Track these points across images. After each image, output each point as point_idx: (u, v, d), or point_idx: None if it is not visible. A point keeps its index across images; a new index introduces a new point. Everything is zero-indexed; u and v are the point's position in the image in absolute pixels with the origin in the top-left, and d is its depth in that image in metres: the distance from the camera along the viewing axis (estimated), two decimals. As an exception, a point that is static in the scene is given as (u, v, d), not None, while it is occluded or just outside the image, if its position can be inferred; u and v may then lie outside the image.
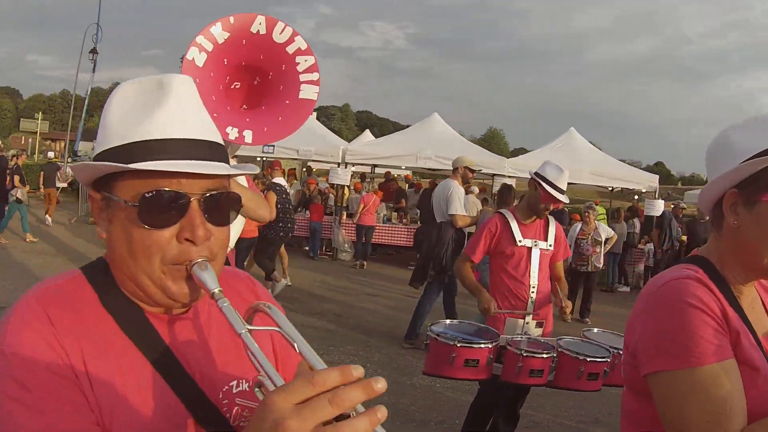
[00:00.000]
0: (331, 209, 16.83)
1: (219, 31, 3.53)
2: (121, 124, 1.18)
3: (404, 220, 16.80)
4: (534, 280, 4.45)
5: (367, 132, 22.16)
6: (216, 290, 1.12)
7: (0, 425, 1.05)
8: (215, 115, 3.55)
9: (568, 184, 4.64)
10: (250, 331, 1.04)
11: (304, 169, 19.58)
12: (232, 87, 3.84)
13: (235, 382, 1.29)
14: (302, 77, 3.78)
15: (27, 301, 1.15)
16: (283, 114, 3.78)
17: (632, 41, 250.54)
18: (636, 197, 21.06)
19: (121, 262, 1.20)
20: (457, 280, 5.43)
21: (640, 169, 21.80)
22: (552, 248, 4.61)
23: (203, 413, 1.21)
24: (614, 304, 12.99)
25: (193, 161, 1.16)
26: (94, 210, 1.24)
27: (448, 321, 4.51)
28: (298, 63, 3.75)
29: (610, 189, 19.49)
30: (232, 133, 3.60)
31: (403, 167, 20.31)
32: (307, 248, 16.26)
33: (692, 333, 1.48)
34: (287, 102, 3.79)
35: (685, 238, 13.75)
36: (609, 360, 3.70)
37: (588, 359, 3.62)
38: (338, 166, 16.25)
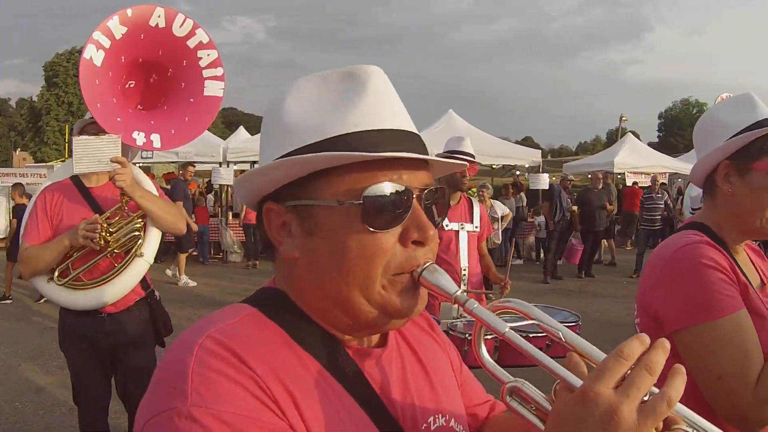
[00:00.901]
0: (215, 211, 16.36)
1: (116, 26, 3.26)
2: (314, 119, 1.05)
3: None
4: (464, 262, 4.51)
5: (242, 129, 21.61)
6: (458, 292, 1.03)
7: None
8: (118, 119, 3.30)
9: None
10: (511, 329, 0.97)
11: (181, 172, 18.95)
12: (127, 86, 3.57)
13: (432, 418, 1.19)
14: (206, 73, 3.58)
15: (203, 345, 0.94)
16: (188, 114, 3.57)
17: (494, 22, 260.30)
18: (517, 173, 21.93)
19: (323, 284, 1.05)
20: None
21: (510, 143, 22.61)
22: (478, 229, 4.70)
23: None
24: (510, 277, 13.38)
25: (412, 153, 1.05)
26: (273, 228, 1.08)
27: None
28: (201, 58, 3.55)
29: (493, 167, 20.13)
30: (140, 138, 3.37)
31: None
32: (196, 253, 15.72)
33: (711, 290, 1.69)
34: (191, 100, 3.58)
35: (575, 208, 14.36)
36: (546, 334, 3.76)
37: (530, 335, 3.67)
38: (220, 166, 15.79)
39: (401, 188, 1.02)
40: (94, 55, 3.23)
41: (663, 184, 17.38)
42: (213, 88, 3.60)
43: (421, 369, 1.24)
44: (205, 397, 0.87)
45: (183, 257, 12.66)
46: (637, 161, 20.71)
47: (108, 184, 3.41)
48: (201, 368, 0.90)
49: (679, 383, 0.83)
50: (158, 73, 3.62)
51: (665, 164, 22.14)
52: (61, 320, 3.51)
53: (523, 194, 16.45)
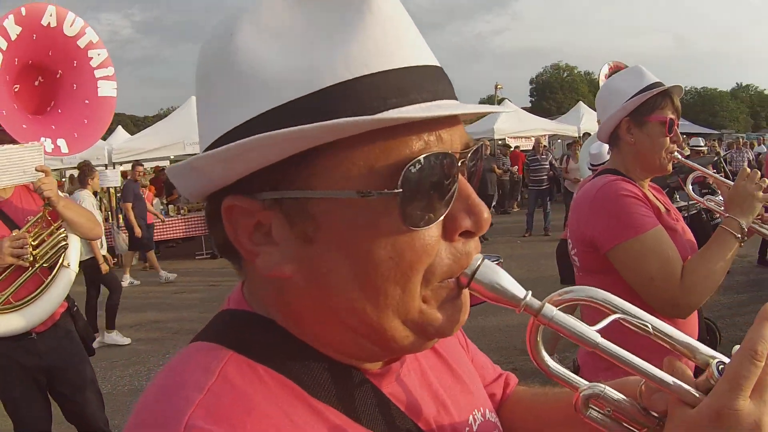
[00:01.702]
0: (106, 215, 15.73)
1: (11, 25, 3.18)
2: (297, 58, 0.72)
3: (182, 211, 16.21)
4: None
5: (120, 129, 20.82)
6: (529, 297, 0.82)
7: None
8: (24, 126, 3.23)
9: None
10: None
11: (64, 179, 17.99)
12: (15, 90, 3.47)
13: (471, 418, 1.01)
14: (98, 73, 3.58)
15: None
16: (86, 116, 3.56)
17: None
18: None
19: (336, 309, 0.77)
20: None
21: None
22: None
23: None
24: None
25: (448, 101, 0.77)
26: (241, 233, 0.76)
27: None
28: (92, 58, 3.55)
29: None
30: (47, 144, 3.31)
31: (172, 157, 19.51)
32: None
33: (633, 213, 2.21)
34: (87, 102, 3.57)
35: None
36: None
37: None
38: (106, 168, 15.13)
39: (445, 157, 0.74)
40: None
41: (545, 146, 18.30)
42: (106, 89, 3.60)
43: (443, 364, 1.05)
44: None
45: (152, 254, 13.05)
46: (517, 126, 21.71)
47: (14, 195, 3.28)
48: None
49: None
50: (45, 76, 3.55)
51: (544, 127, 23.30)
52: None
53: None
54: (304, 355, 0.80)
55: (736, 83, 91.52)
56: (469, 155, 0.78)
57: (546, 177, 15.78)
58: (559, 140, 24.49)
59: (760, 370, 0.71)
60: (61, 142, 3.39)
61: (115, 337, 8.46)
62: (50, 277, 3.25)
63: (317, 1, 0.75)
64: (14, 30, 3.20)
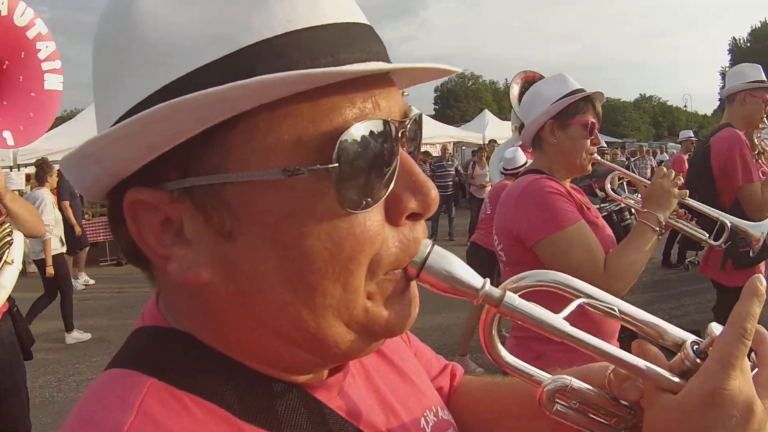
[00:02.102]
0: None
1: None
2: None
3: (86, 216, 15.56)
4: None
5: None
6: (487, 285, 0.76)
7: None
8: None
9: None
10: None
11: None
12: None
13: (423, 420, 0.94)
14: (45, 65, 3.58)
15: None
16: (32, 109, 3.55)
17: None
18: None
19: (266, 316, 0.68)
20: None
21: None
22: None
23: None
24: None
25: (383, 62, 0.69)
26: (147, 233, 0.66)
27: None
28: (40, 50, 3.55)
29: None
30: (-6, 137, 3.25)
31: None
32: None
33: (557, 208, 2.40)
34: (33, 94, 3.57)
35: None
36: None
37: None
38: (11, 170, 14.31)
39: (385, 125, 0.65)
40: None
41: (450, 152, 18.88)
42: (53, 82, 3.59)
43: (388, 364, 0.99)
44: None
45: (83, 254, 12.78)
46: (424, 133, 22.17)
47: None
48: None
49: None
50: None
51: (450, 134, 23.95)
52: None
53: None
54: (231, 375, 0.70)
55: (640, 94, 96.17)
56: (408, 126, 0.70)
57: (451, 183, 16.48)
58: (463, 147, 25.23)
59: (746, 347, 0.71)
60: (7, 134, 3.35)
61: (77, 335, 8.49)
62: None
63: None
64: None
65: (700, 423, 0.70)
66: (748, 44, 71.55)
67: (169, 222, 0.66)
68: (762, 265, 3.95)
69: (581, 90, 2.59)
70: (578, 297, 0.79)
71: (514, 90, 6.92)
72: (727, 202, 3.94)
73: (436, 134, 23.12)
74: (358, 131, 0.62)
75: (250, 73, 0.58)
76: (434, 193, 0.69)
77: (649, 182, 2.60)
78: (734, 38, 74.29)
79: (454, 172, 16.68)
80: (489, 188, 13.08)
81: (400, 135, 0.67)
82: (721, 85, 75.24)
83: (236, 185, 0.62)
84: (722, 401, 0.68)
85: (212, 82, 0.57)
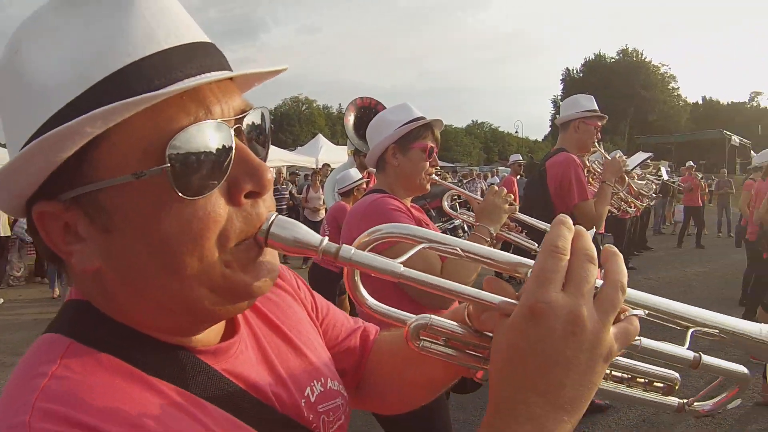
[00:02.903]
0: None
1: None
2: (70, 62, 0.81)
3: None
4: None
5: None
6: (325, 242, 0.90)
7: None
8: None
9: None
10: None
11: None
12: None
13: (309, 389, 1.12)
14: None
15: (33, 427, 0.75)
16: None
17: None
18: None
19: (148, 290, 0.88)
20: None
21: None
22: None
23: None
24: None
25: (216, 72, 0.86)
26: (54, 236, 0.86)
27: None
28: None
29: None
30: None
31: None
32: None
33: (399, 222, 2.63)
34: None
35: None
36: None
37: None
38: None
39: (216, 125, 0.84)
40: None
41: (284, 177, 19.44)
42: None
43: (282, 338, 1.16)
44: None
45: None
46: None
47: None
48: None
49: (620, 265, 0.82)
50: None
51: (283, 158, 24.36)
52: None
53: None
54: (134, 341, 0.89)
55: (472, 120, 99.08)
56: (245, 121, 0.89)
57: (285, 206, 17.08)
58: (296, 171, 25.75)
59: (565, 263, 0.78)
60: None
61: None
62: None
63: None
64: None
65: (525, 339, 0.77)
66: (581, 74, 76.04)
67: (68, 226, 0.85)
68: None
69: (422, 117, 2.92)
70: (420, 243, 0.90)
71: (350, 116, 7.31)
72: None
73: (270, 158, 23.37)
74: (186, 135, 0.80)
75: (98, 105, 0.75)
76: (269, 175, 0.88)
77: (481, 199, 2.98)
78: (567, 69, 78.97)
79: (287, 196, 17.42)
80: (323, 211, 13.88)
81: (234, 131, 0.86)
82: (553, 112, 78.84)
83: (107, 191, 0.82)
84: (541, 314, 0.76)
85: (75, 115, 0.76)
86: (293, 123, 79.18)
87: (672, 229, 18.51)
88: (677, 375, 0.96)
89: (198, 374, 0.92)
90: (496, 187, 2.92)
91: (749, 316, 6.70)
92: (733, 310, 7.67)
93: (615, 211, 7.15)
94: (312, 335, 1.24)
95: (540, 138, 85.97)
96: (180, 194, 0.80)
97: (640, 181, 5.93)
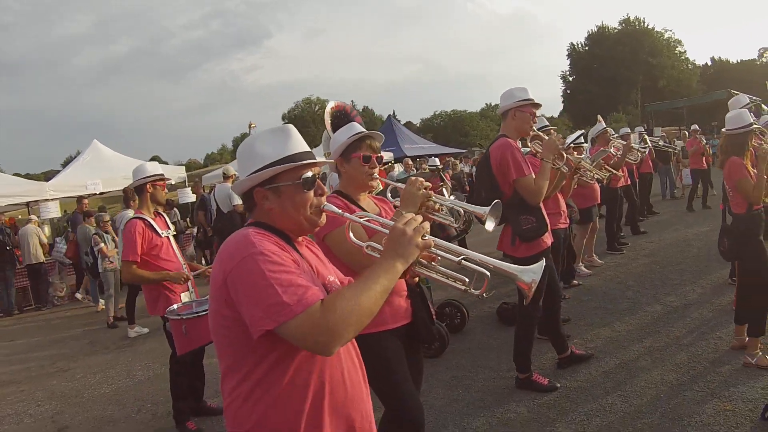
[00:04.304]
0: None
1: None
2: (272, 149, 2.20)
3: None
4: (182, 260, 5.87)
5: None
6: (349, 215, 2.40)
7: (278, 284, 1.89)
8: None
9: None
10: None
11: None
12: None
13: (330, 277, 2.38)
14: None
15: (252, 233, 2.06)
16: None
17: (115, 42, 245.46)
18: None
19: (285, 215, 2.20)
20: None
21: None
22: (174, 232, 6.14)
23: (325, 290, 2.23)
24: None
25: (313, 159, 2.23)
26: (260, 199, 2.20)
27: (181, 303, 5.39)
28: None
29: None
30: None
31: None
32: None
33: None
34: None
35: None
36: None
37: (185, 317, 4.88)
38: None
39: (313, 174, 2.22)
40: None
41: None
42: None
43: (316, 256, 2.44)
44: (259, 246, 1.99)
45: None
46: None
47: None
48: (256, 238, 2.01)
49: (428, 223, 2.17)
50: None
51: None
52: None
53: (176, 209, 17.70)
54: (278, 232, 2.19)
55: (485, 104, 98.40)
56: (319, 174, 2.28)
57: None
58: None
59: (410, 217, 2.10)
60: None
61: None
62: None
63: (276, 131, 2.27)
64: None
65: (390, 236, 2.07)
66: (586, 48, 75.63)
67: (266, 195, 2.22)
68: (546, 237, 5.31)
69: (359, 133, 3.58)
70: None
71: (327, 120, 7.87)
72: (508, 192, 5.18)
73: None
74: (305, 175, 2.21)
75: (284, 163, 2.19)
76: (324, 187, 2.28)
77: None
78: (572, 43, 78.23)
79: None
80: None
81: (317, 176, 2.25)
82: (563, 88, 78.41)
83: (283, 185, 2.21)
84: (394, 229, 2.08)
85: (270, 166, 2.19)
86: (308, 124, 79.81)
87: (681, 193, 18.82)
88: (466, 279, 2.12)
89: (294, 248, 2.21)
90: (414, 179, 3.40)
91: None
92: (724, 264, 8.14)
93: (595, 181, 7.88)
94: (328, 263, 2.53)
95: (556, 114, 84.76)
96: (303, 189, 2.19)
97: (579, 156, 6.52)
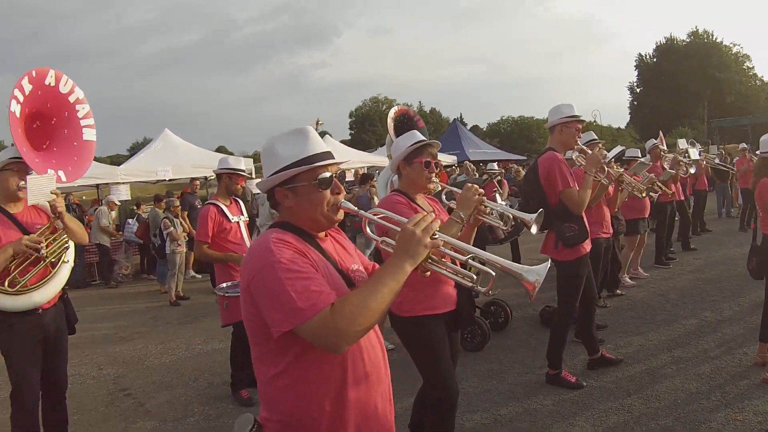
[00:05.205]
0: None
1: (26, 84, 4.61)
2: (294, 150, 2.27)
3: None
4: (249, 244, 6.29)
5: None
6: (363, 212, 2.43)
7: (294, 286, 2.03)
8: (37, 160, 4.68)
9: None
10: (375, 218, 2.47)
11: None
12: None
13: (354, 266, 2.46)
14: (82, 122, 5.13)
15: (273, 240, 2.14)
16: (76, 154, 5.09)
17: (181, 32, 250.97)
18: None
19: (304, 213, 2.29)
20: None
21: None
22: (247, 218, 6.73)
23: (347, 281, 2.33)
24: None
25: (331, 159, 2.31)
26: (281, 198, 2.31)
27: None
28: (78, 110, 5.08)
29: (206, 178, 21.63)
30: (51, 174, 4.74)
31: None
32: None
33: (397, 209, 3.61)
34: (75, 144, 5.10)
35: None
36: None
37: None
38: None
39: (330, 174, 2.29)
40: (15, 109, 4.50)
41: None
42: (89, 134, 5.11)
43: (342, 246, 2.52)
44: (277, 253, 2.09)
45: None
46: (337, 158, 23.73)
47: (24, 209, 4.69)
48: (276, 246, 2.11)
49: (425, 220, 2.16)
50: (42, 121, 4.92)
51: (362, 159, 25.67)
52: (4, 323, 4.53)
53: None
54: (299, 231, 2.28)
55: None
56: (336, 174, 2.37)
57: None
58: (377, 171, 26.99)
59: (420, 218, 2.17)
60: (61, 173, 4.77)
61: None
62: (54, 270, 4.63)
63: (294, 132, 2.34)
64: (27, 87, 4.54)
65: (400, 236, 2.15)
66: (654, 59, 74.73)
67: (286, 194, 2.30)
68: (586, 244, 5.73)
69: (422, 140, 4.00)
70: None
71: (390, 124, 8.43)
72: (554, 202, 5.58)
73: (347, 159, 24.67)
74: (322, 176, 2.28)
75: (303, 164, 2.27)
76: (343, 190, 2.36)
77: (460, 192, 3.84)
78: (640, 54, 77.31)
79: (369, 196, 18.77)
80: (375, 200, 15.30)
81: (333, 176, 2.31)
82: (630, 99, 77.57)
83: (301, 185, 2.29)
84: (404, 230, 2.15)
85: (293, 166, 2.27)
86: (375, 123, 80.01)
87: (738, 212, 18.60)
88: (474, 275, 2.33)
89: (316, 244, 2.31)
90: (470, 185, 3.78)
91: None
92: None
93: (652, 195, 8.28)
94: (352, 251, 2.59)
95: (623, 125, 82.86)
96: (319, 189, 2.26)
97: (618, 170, 6.93)
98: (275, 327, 2.06)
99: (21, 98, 4.58)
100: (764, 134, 6.21)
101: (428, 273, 2.29)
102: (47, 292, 4.61)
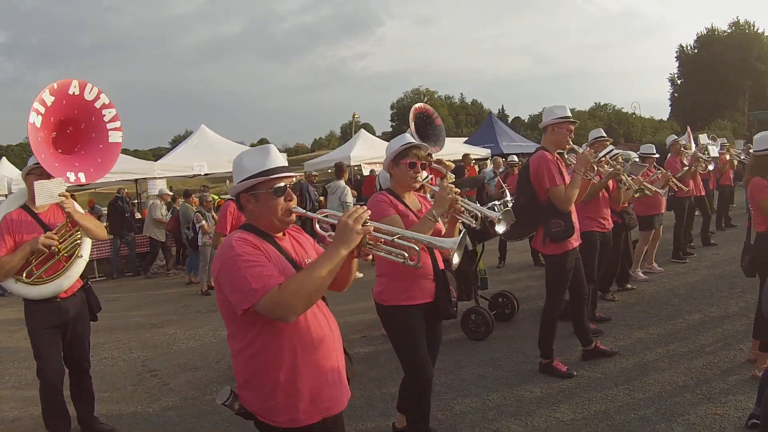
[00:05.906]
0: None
1: (48, 96, 5.05)
2: (257, 163, 2.67)
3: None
4: None
5: (5, 160, 21.71)
6: (311, 213, 2.81)
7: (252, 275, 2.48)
8: (56, 165, 5.15)
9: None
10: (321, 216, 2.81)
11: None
12: (53, 137, 5.31)
13: (307, 260, 2.82)
14: (109, 126, 5.55)
15: (236, 238, 2.58)
16: (100, 156, 5.51)
17: (224, 22, 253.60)
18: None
19: (263, 216, 2.71)
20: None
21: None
22: None
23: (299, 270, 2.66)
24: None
25: (288, 173, 2.73)
26: (246, 202, 2.74)
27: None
28: (104, 114, 5.50)
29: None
30: (71, 176, 5.21)
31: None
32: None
33: (379, 208, 4.19)
34: (101, 146, 5.53)
35: (323, 198, 17.25)
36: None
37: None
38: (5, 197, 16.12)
39: (284, 184, 2.69)
40: (35, 119, 4.95)
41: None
42: (115, 136, 5.52)
43: (299, 243, 2.93)
44: (237, 248, 2.53)
45: None
46: (371, 153, 24.20)
47: (50, 209, 5.14)
48: (237, 243, 2.54)
49: (368, 213, 2.58)
50: (74, 127, 5.38)
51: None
52: (28, 308, 5.10)
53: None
54: (258, 231, 2.73)
55: (595, 103, 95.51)
56: (291, 185, 2.80)
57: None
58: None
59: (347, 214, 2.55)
60: (81, 175, 5.19)
61: None
62: (69, 263, 5.09)
63: (259, 149, 2.80)
64: (49, 99, 4.97)
65: (337, 229, 2.54)
66: (695, 50, 73.17)
67: (249, 199, 2.75)
68: (573, 239, 5.97)
69: (410, 142, 4.29)
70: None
71: (411, 122, 8.86)
72: (543, 199, 5.85)
73: (382, 154, 24.71)
74: (277, 185, 2.71)
75: (262, 175, 2.70)
76: (294, 198, 2.80)
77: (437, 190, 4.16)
78: (681, 45, 75.74)
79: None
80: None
81: (288, 186, 2.77)
82: (671, 91, 75.94)
83: (260, 193, 2.73)
84: (339, 222, 2.55)
85: (254, 177, 2.71)
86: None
87: None
88: (405, 253, 2.71)
89: (271, 239, 2.72)
90: (445, 183, 4.14)
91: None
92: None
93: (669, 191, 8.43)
94: (311, 249, 3.00)
95: (665, 117, 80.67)
96: (274, 196, 2.67)
97: (608, 168, 7.09)
98: (237, 306, 2.54)
99: (42, 110, 5.02)
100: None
101: (369, 257, 2.72)
102: (61, 284, 5.09)
